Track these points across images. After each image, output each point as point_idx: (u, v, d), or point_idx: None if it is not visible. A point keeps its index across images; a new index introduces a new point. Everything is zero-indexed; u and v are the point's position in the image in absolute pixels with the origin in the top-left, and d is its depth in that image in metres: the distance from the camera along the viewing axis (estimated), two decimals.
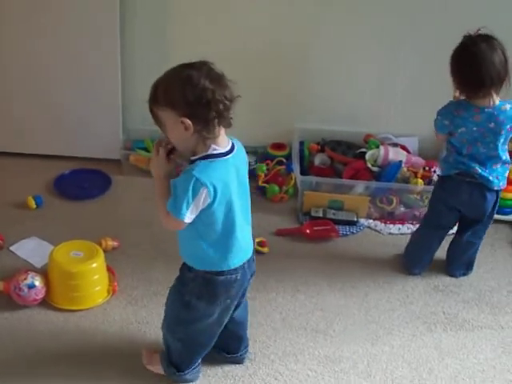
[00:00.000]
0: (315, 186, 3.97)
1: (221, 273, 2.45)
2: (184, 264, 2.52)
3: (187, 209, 2.25)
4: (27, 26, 3.99)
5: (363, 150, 4.19)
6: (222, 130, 2.31)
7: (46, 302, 3.11)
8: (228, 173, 2.31)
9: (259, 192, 4.10)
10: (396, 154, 4.09)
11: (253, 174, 4.20)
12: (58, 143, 4.31)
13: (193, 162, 2.28)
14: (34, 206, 3.83)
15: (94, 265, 3.11)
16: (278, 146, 4.42)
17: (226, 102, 2.25)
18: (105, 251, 3.28)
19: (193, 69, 2.21)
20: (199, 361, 2.75)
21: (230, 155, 2.32)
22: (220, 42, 4.10)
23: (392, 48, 4.20)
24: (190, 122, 2.20)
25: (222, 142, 2.32)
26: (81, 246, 3.19)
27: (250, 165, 4.16)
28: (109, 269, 3.25)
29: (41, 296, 3.08)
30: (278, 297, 3.28)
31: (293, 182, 4.08)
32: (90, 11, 3.95)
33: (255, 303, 3.21)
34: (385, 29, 4.14)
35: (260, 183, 4.10)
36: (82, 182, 4.11)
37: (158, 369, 2.76)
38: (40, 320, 3.04)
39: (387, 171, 4.00)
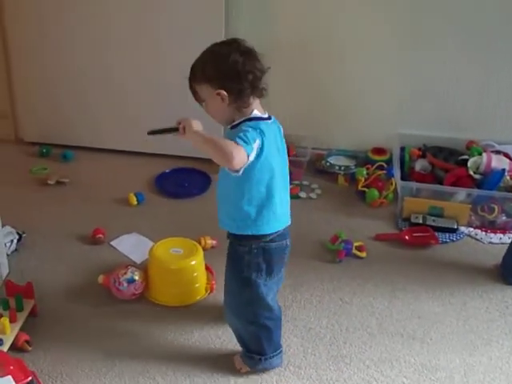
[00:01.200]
0: (415, 192, 3.94)
1: (271, 239, 2.54)
2: (233, 239, 2.59)
3: (253, 144, 2.30)
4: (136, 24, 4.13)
5: (465, 156, 4.13)
6: (257, 100, 2.45)
7: (144, 298, 3.18)
8: (270, 134, 2.41)
9: (359, 196, 4.11)
10: (499, 161, 4.02)
11: (353, 178, 4.21)
12: (160, 142, 4.39)
13: (235, 126, 2.42)
14: (136, 203, 3.92)
15: (194, 262, 3.16)
16: (379, 151, 4.41)
17: (257, 72, 2.38)
18: (204, 249, 3.32)
19: (224, 45, 2.43)
20: (282, 345, 2.83)
21: (270, 120, 2.48)
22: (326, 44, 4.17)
23: (497, 52, 4.14)
24: (225, 93, 2.36)
25: (260, 110, 2.46)
26: (181, 243, 3.25)
27: (349, 169, 4.25)
28: (207, 267, 3.29)
29: (140, 291, 3.15)
30: (374, 302, 3.27)
31: (393, 187, 4.06)
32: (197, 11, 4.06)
33: (352, 307, 3.21)
34: (491, 32, 4.08)
35: (360, 187, 4.10)
36: (183, 180, 4.20)
37: (246, 367, 2.81)
38: (138, 315, 3.10)
39: (489, 179, 3.94)
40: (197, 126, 2.36)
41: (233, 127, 2.43)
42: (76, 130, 4.51)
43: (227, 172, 2.34)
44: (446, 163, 4.14)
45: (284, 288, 3.27)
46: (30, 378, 2.46)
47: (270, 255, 2.56)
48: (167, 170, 4.26)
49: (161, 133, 2.44)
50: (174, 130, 2.39)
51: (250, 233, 2.52)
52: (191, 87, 2.45)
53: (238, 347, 2.84)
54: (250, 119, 2.41)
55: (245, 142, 2.28)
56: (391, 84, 4.31)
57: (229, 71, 2.35)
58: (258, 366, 2.78)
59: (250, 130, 2.32)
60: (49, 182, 4.11)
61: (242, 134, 2.29)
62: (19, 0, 4.20)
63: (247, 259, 2.56)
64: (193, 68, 2.43)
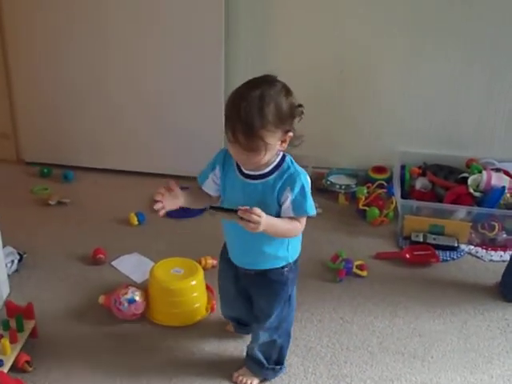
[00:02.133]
0: (416, 210, 3.95)
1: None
2: (273, 271, 2.57)
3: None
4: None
5: (465, 174, 4.14)
6: None
7: (145, 318, 3.17)
8: None
9: (359, 215, 4.12)
10: (499, 179, 4.02)
11: (353, 197, 4.22)
12: (161, 161, 4.42)
13: (277, 166, 2.39)
14: (136, 223, 3.93)
15: (194, 282, 3.16)
16: (379, 169, 4.43)
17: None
18: (204, 269, 3.32)
19: (274, 83, 2.30)
20: None
21: None
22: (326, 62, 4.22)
23: (497, 71, 4.16)
24: (291, 135, 2.35)
25: None
26: (181, 263, 3.25)
27: (350, 187, 4.26)
28: (208, 287, 3.29)
29: (140, 311, 3.15)
30: (375, 320, 3.26)
31: (393, 205, 4.07)
32: (196, 23, 4.09)
33: (352, 326, 3.21)
34: (490, 51, 4.10)
35: (360, 206, 4.11)
36: None
37: (255, 380, 2.83)
38: (138, 335, 3.10)
39: (490, 197, 3.94)
40: (263, 219, 2.28)
41: (268, 174, 2.38)
42: (77, 151, 4.52)
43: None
44: (446, 181, 4.15)
45: None
46: None
47: (298, 269, 2.67)
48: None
49: (222, 211, 2.34)
50: (236, 215, 2.27)
51: (293, 259, 2.60)
52: (253, 135, 2.20)
53: (237, 364, 2.84)
54: (284, 159, 2.42)
55: (312, 207, 2.43)
56: (391, 103, 4.33)
57: (291, 111, 2.32)
58: (277, 375, 2.84)
59: (307, 184, 2.42)
60: (50, 202, 4.12)
61: (308, 204, 2.42)
62: (20, 21, 4.23)
63: (291, 278, 2.62)
64: (260, 112, 2.20)
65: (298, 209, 2.39)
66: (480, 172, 4.08)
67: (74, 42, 4.23)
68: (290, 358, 2.98)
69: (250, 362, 2.83)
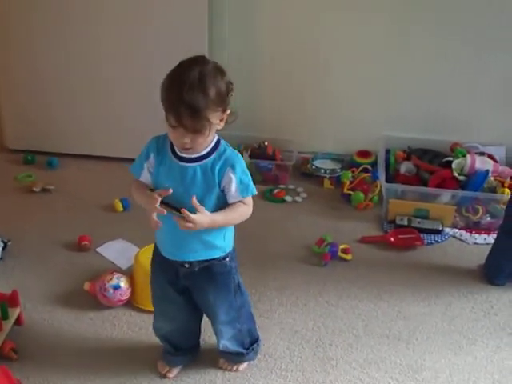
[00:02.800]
0: (400, 194, 3.96)
1: None
2: (214, 261, 2.50)
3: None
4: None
5: (449, 158, 4.15)
6: None
7: (130, 304, 3.18)
8: None
9: (344, 199, 4.12)
10: (483, 163, 4.03)
11: (338, 181, 4.23)
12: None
13: (214, 148, 2.33)
14: (121, 209, 3.92)
15: None
16: (364, 154, 4.43)
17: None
18: None
19: (207, 62, 2.23)
20: None
21: None
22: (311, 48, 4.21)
23: (482, 54, 4.16)
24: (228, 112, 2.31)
25: None
26: None
27: (335, 172, 4.26)
28: None
29: (126, 297, 3.15)
30: (360, 304, 3.28)
31: (378, 189, 4.08)
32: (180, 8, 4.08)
33: (337, 310, 3.22)
34: (475, 35, 4.10)
35: (345, 190, 4.11)
36: None
37: (239, 365, 2.85)
38: (124, 321, 3.11)
39: (474, 180, 3.96)
40: (205, 221, 2.30)
41: (205, 156, 2.32)
42: (61, 138, 4.50)
43: (202, 200, 2.31)
44: (431, 165, 4.16)
45: (270, 291, 3.31)
46: None
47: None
48: None
49: (169, 208, 2.30)
50: (180, 214, 2.27)
51: (230, 248, 2.55)
52: (199, 116, 2.15)
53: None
54: (219, 141, 2.36)
55: (253, 187, 2.38)
56: (376, 87, 4.33)
57: (227, 90, 2.26)
58: (258, 352, 2.87)
59: (244, 164, 2.36)
60: (34, 189, 4.10)
61: (250, 185, 2.36)
62: (7, 11, 4.20)
63: (234, 266, 2.58)
64: (203, 93, 2.14)
65: (245, 190, 2.35)
66: (464, 156, 4.09)
67: (63, 25, 4.19)
68: (276, 342, 3.00)
69: (228, 356, 2.83)
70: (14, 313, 2.96)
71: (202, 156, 2.31)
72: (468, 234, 3.87)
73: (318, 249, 3.59)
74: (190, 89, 2.13)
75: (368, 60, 4.26)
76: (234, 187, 2.33)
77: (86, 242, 3.55)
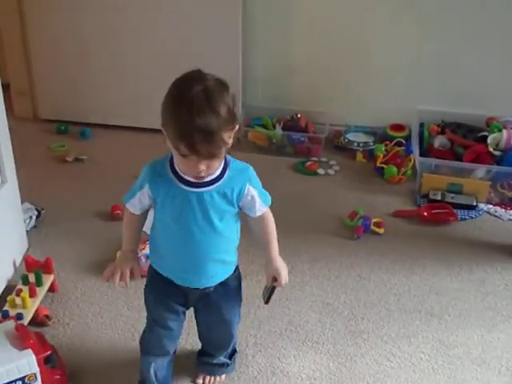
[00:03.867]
0: (434, 168, 3.92)
1: None
2: (228, 280, 2.38)
3: None
4: None
5: (485, 133, 4.09)
6: None
7: None
8: None
9: (377, 173, 4.10)
10: None
11: (371, 155, 4.20)
12: None
13: (225, 166, 2.13)
14: None
15: None
16: (398, 127, 4.39)
17: None
18: None
19: (206, 78, 2.01)
20: None
21: None
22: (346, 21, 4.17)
23: None
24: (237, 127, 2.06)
25: None
26: None
27: (368, 145, 4.24)
28: None
29: None
30: (392, 278, 3.26)
31: (411, 163, 4.04)
32: None
33: (369, 283, 3.22)
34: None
35: (378, 164, 4.08)
36: None
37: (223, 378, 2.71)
38: None
39: (510, 156, 3.90)
40: (283, 267, 2.32)
41: (219, 177, 2.13)
42: (94, 108, 4.50)
43: (221, 223, 2.18)
44: (466, 140, 4.11)
45: (302, 264, 3.30)
46: (49, 352, 2.48)
47: None
48: None
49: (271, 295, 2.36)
50: (274, 288, 2.34)
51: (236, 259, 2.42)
52: (214, 140, 1.93)
53: None
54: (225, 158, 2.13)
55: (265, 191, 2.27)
56: (410, 59, 4.27)
57: (234, 104, 2.02)
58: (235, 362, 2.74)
59: (253, 170, 2.23)
60: (67, 159, 4.12)
61: (266, 195, 2.25)
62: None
63: (240, 278, 2.49)
64: (218, 112, 1.92)
65: (266, 198, 2.24)
66: (500, 131, 4.03)
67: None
68: (308, 314, 3.00)
69: (211, 368, 2.67)
70: (47, 280, 2.99)
71: (215, 178, 2.11)
72: (503, 210, 3.83)
73: (350, 222, 3.58)
74: (199, 111, 1.89)
75: (402, 31, 4.20)
76: (258, 201, 2.20)
77: (119, 212, 3.55)
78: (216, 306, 2.41)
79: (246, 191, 2.16)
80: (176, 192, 2.12)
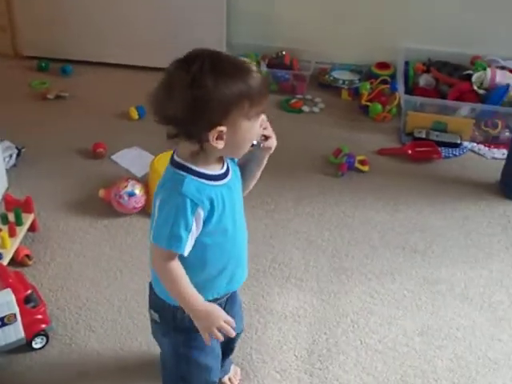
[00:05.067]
0: (419, 106, 3.90)
1: None
2: None
3: None
4: None
5: (470, 71, 4.07)
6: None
7: (145, 211, 3.14)
8: None
9: (362, 111, 4.08)
10: (503, 76, 3.95)
11: (356, 93, 4.17)
12: (160, 56, 4.32)
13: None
14: (137, 117, 3.88)
15: None
16: (383, 65, 4.36)
17: None
18: None
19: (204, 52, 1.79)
20: None
21: None
22: None
23: None
24: None
25: None
26: None
27: (353, 83, 4.20)
28: None
29: (140, 205, 3.13)
30: (377, 215, 3.26)
31: (396, 101, 4.01)
32: None
33: (354, 221, 3.22)
34: None
35: (363, 102, 4.06)
36: None
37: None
38: (139, 228, 3.10)
39: (494, 94, 3.89)
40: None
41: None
42: (75, 44, 4.41)
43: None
44: (450, 78, 4.08)
45: (286, 201, 3.30)
46: (29, 291, 2.45)
47: None
48: None
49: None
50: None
51: None
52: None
53: None
54: None
55: None
56: None
57: None
58: None
59: None
60: (48, 96, 4.06)
61: None
62: None
63: None
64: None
65: None
66: (484, 69, 4.00)
67: None
68: (291, 252, 3.00)
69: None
70: (27, 219, 2.96)
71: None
72: (486, 148, 3.83)
73: (334, 159, 3.56)
74: (236, 68, 1.70)
75: None
76: None
77: (101, 150, 3.52)
78: (236, 293, 2.16)
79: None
80: (219, 193, 1.80)
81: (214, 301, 1.93)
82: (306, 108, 4.11)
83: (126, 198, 3.07)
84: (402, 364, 2.52)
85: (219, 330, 1.83)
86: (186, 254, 1.77)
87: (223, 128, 1.67)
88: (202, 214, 1.75)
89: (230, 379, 2.43)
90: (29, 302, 2.45)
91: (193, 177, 1.75)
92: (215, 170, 1.81)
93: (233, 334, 1.86)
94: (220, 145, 1.70)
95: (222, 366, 2.28)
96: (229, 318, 1.85)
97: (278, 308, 2.73)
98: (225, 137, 1.69)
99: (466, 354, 2.57)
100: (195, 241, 1.79)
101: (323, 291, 2.81)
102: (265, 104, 1.73)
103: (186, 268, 1.82)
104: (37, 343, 2.48)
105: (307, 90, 4.28)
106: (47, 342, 2.50)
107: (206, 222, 1.78)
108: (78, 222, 3.12)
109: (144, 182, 3.21)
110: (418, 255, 3.03)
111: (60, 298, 2.72)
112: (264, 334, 2.61)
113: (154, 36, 4.27)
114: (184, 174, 1.76)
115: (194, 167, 1.77)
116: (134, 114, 3.86)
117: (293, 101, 4.13)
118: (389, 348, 2.58)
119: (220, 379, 2.36)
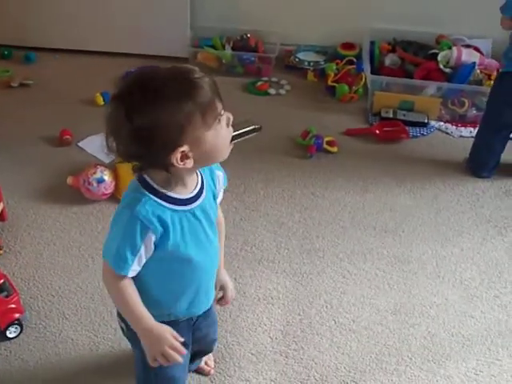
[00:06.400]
0: (385, 86, 3.92)
1: None
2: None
3: None
4: None
5: (435, 51, 4.08)
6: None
7: (114, 197, 3.13)
8: None
9: (328, 92, 4.07)
10: (469, 55, 3.98)
11: (322, 74, 4.17)
12: (124, 41, 4.30)
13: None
14: (102, 103, 3.84)
15: None
16: (348, 46, 4.35)
17: None
18: None
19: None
20: None
21: None
22: None
23: None
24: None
25: None
26: None
27: (319, 64, 4.20)
28: None
29: (110, 191, 3.12)
30: (346, 196, 3.27)
31: (363, 82, 4.02)
32: None
33: (324, 201, 3.22)
34: None
35: (329, 83, 4.06)
36: None
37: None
38: (109, 214, 3.04)
39: (460, 73, 3.91)
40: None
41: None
42: (38, 31, 4.35)
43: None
44: (416, 57, 4.10)
45: (255, 184, 3.30)
46: (1, 281, 2.44)
47: None
48: (133, 69, 4.13)
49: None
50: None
51: None
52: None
53: None
54: None
55: None
56: None
57: None
58: None
59: None
60: (12, 84, 4.01)
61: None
62: None
63: None
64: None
65: (225, 180, 1.95)
66: (450, 48, 4.02)
67: None
68: (262, 234, 3.01)
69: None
70: None
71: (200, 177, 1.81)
72: (454, 127, 3.85)
73: (302, 141, 3.56)
74: (186, 88, 1.59)
75: None
76: (221, 181, 1.93)
77: (68, 137, 3.49)
78: (205, 323, 2.12)
79: (214, 175, 1.89)
80: (178, 218, 1.73)
81: (175, 322, 1.90)
82: (272, 90, 4.11)
83: (95, 184, 3.05)
84: (377, 343, 2.54)
85: (165, 355, 1.76)
86: (130, 275, 1.73)
87: (184, 148, 1.59)
88: (152, 238, 1.68)
89: (206, 363, 2.42)
90: (1, 291, 2.44)
91: (153, 197, 1.68)
92: (183, 193, 1.73)
93: (179, 360, 1.77)
94: (188, 164, 1.63)
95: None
96: (176, 345, 1.76)
97: (251, 291, 2.73)
98: (191, 154, 1.61)
99: (439, 331, 2.60)
100: (148, 262, 1.73)
101: (296, 273, 2.82)
102: (220, 106, 1.63)
103: (142, 282, 1.79)
104: (11, 332, 2.46)
105: (273, 72, 4.27)
106: (21, 331, 2.48)
107: (158, 246, 1.71)
108: (47, 210, 3.09)
109: (112, 167, 3.18)
110: (388, 234, 3.05)
111: (32, 287, 2.69)
112: (238, 317, 2.61)
113: (118, 21, 4.23)
114: (144, 192, 1.68)
115: (159, 188, 1.69)
116: (100, 100, 3.82)
117: (259, 83, 4.12)
118: (363, 327, 2.60)
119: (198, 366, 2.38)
